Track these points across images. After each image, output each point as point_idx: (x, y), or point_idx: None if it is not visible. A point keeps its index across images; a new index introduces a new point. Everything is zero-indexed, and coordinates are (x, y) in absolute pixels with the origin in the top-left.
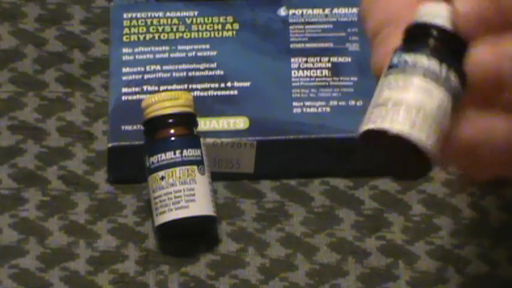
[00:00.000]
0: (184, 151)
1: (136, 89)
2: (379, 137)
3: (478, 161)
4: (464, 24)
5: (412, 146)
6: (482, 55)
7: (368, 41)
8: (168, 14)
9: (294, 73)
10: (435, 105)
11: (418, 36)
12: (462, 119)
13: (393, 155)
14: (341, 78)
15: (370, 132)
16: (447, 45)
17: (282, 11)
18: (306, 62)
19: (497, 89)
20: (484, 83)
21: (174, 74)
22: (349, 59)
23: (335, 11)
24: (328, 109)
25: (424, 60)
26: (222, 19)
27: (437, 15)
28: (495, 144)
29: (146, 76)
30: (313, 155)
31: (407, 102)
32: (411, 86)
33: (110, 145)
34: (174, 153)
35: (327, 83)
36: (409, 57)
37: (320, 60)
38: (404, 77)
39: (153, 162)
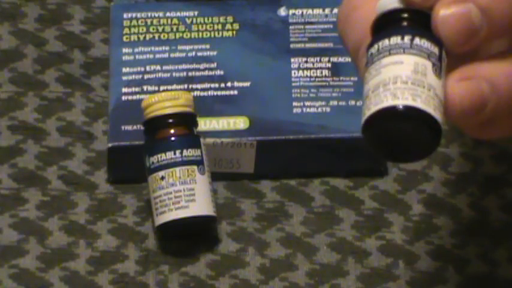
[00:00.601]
0: (184, 151)
1: (136, 89)
2: (374, 124)
3: (487, 118)
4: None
5: (404, 112)
6: (443, 12)
7: None
8: (168, 14)
9: (294, 73)
10: (410, 70)
11: (377, 28)
12: (460, 79)
13: (396, 135)
14: (341, 78)
15: (365, 126)
16: (403, 21)
17: (282, 11)
18: (306, 62)
19: (475, 38)
20: (458, 36)
21: (174, 74)
22: (349, 59)
23: (335, 11)
24: (328, 109)
25: (385, 42)
26: (222, 19)
27: (390, 2)
28: (500, 92)
29: (146, 76)
30: (313, 155)
31: (383, 82)
32: (381, 67)
33: (110, 145)
34: (174, 153)
35: (327, 83)
36: (373, 49)
37: (320, 60)
38: (374, 65)
39: (153, 162)
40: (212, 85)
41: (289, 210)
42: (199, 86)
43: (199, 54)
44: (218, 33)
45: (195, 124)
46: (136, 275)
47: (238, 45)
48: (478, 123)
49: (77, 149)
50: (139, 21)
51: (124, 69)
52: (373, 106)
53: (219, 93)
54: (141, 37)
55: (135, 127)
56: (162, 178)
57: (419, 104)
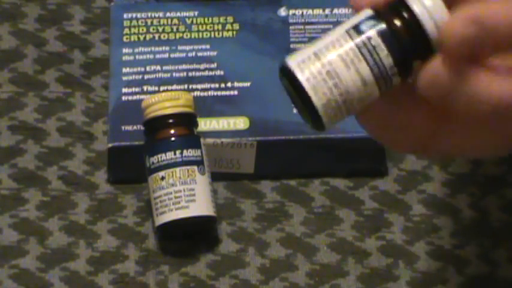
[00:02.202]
0: (185, 151)
1: (137, 89)
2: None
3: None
4: (442, 38)
5: (299, 90)
6: (450, 25)
7: None
8: (168, 14)
9: None
10: (351, 76)
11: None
12: (488, 85)
13: (295, 97)
14: None
15: (283, 68)
16: (409, 38)
17: (282, 11)
18: None
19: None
20: (459, 48)
21: (174, 74)
22: None
23: (335, 11)
24: None
25: (372, 33)
26: (222, 19)
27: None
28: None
29: (146, 76)
30: (313, 155)
31: (322, 56)
32: (340, 48)
33: (110, 145)
34: (174, 154)
35: None
36: (370, 31)
37: None
38: (342, 39)
39: (153, 163)
40: (212, 85)
41: (289, 210)
42: (199, 86)
43: (199, 54)
44: (218, 34)
45: (195, 124)
46: (136, 275)
47: (238, 45)
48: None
49: (77, 149)
50: (140, 22)
51: (124, 70)
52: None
53: (219, 93)
54: (141, 37)
55: (135, 127)
56: (162, 178)
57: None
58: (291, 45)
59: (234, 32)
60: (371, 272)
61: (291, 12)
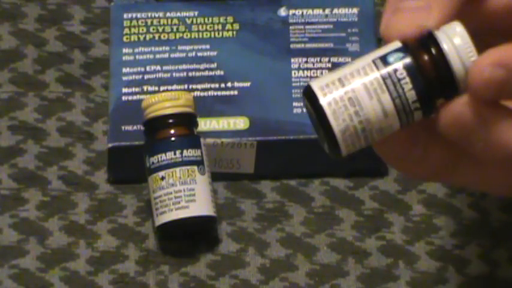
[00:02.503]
0: (185, 151)
1: (137, 89)
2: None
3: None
4: (469, 78)
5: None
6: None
7: (367, 42)
8: (168, 14)
9: (294, 73)
10: (373, 106)
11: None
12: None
13: (316, 121)
14: None
15: (307, 90)
16: (435, 75)
17: (282, 11)
18: (306, 62)
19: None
20: (484, 90)
21: (174, 74)
22: (349, 59)
23: (335, 11)
24: None
25: (398, 66)
26: (222, 19)
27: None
28: None
29: (146, 76)
30: (313, 155)
31: (346, 82)
32: (365, 76)
33: (110, 145)
34: (174, 154)
35: None
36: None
37: (320, 61)
38: (368, 68)
39: (153, 163)
40: (212, 85)
41: (289, 210)
42: (199, 86)
43: (199, 54)
44: (218, 34)
45: (195, 124)
46: (136, 275)
47: (238, 45)
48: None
49: (77, 149)
50: (140, 22)
51: (124, 70)
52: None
53: (219, 93)
54: (141, 37)
55: (135, 127)
56: (162, 178)
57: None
58: (291, 45)
59: (234, 32)
60: (371, 272)
61: (291, 12)
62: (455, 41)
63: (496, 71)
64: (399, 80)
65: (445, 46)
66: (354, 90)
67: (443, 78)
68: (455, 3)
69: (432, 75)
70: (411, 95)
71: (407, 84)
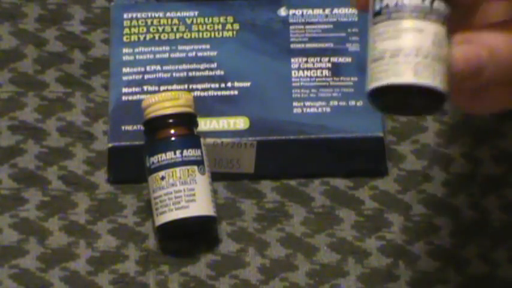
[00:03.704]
0: (185, 151)
1: (137, 89)
2: (388, 91)
3: (482, 88)
4: None
5: (422, 90)
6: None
7: (367, 42)
8: (168, 14)
9: (294, 73)
10: (430, 41)
11: None
12: (461, 42)
13: (405, 103)
14: (341, 79)
15: (378, 89)
16: None
17: (282, 11)
18: (306, 62)
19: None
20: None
21: (174, 74)
22: (349, 59)
23: (335, 11)
24: (328, 109)
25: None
26: (222, 19)
27: None
28: (499, 60)
29: (146, 76)
30: (313, 155)
31: (404, 50)
32: (402, 31)
33: (110, 145)
34: (175, 153)
35: (327, 83)
36: (390, 1)
37: (320, 61)
38: (392, 23)
39: (153, 162)
40: (212, 85)
41: (289, 210)
42: (199, 86)
43: (199, 54)
44: (218, 34)
45: (195, 124)
46: (136, 275)
47: (238, 45)
48: (470, 92)
49: (77, 149)
50: (140, 22)
51: (124, 70)
52: (392, 75)
53: (219, 93)
54: (141, 37)
55: (135, 127)
56: (162, 178)
57: (438, 84)
58: (291, 45)
59: (234, 32)
60: (371, 272)
61: (291, 12)
62: None
63: None
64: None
65: None
66: (398, 46)
67: None
68: None
69: None
70: None
71: None
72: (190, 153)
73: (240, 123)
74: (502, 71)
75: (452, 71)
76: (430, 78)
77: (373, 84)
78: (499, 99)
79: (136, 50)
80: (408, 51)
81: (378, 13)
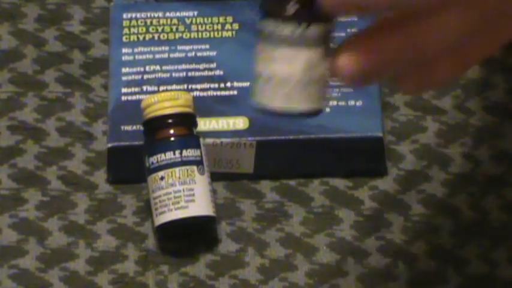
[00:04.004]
0: (184, 151)
1: (136, 89)
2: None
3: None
4: None
5: (295, 114)
6: None
7: None
8: (167, 14)
9: None
10: (302, 68)
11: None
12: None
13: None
14: None
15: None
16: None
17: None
18: None
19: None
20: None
21: (173, 74)
22: None
23: None
24: (327, 109)
25: (279, 27)
26: (221, 19)
27: None
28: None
29: (146, 76)
30: (312, 155)
31: (275, 78)
32: (274, 59)
33: (109, 145)
34: (174, 154)
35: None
36: (269, 25)
37: None
38: (267, 48)
39: (152, 163)
40: (212, 85)
41: (289, 210)
42: (198, 86)
43: (198, 54)
44: (218, 34)
45: (195, 124)
46: (135, 275)
47: (238, 45)
48: (415, 75)
49: (76, 149)
50: (139, 22)
51: (124, 70)
52: (267, 99)
53: (218, 93)
54: (141, 37)
55: (134, 127)
56: (162, 178)
57: (309, 105)
58: None
59: (234, 32)
60: (370, 272)
61: None
62: None
63: None
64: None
65: None
66: (272, 72)
67: None
68: None
69: None
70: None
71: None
72: (189, 153)
73: (239, 123)
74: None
75: (344, 80)
76: (301, 102)
77: (257, 100)
78: (448, 70)
79: (136, 50)
80: (279, 79)
81: (260, 31)
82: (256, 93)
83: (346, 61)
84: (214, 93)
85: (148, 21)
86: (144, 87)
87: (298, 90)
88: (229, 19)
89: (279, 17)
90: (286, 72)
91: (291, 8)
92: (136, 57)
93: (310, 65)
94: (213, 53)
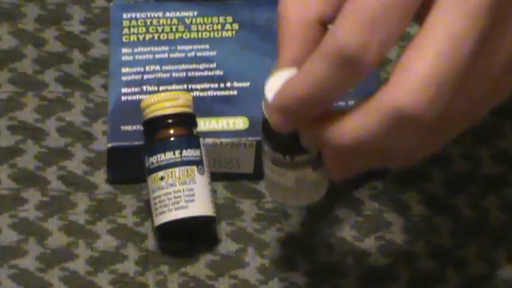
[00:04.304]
0: (184, 151)
1: (136, 89)
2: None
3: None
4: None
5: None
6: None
7: None
8: (167, 14)
9: None
10: (293, 181)
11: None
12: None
13: None
14: None
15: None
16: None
17: None
18: None
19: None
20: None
21: (173, 74)
22: None
23: None
24: None
25: (271, 151)
26: (221, 19)
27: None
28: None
29: (146, 76)
30: None
31: (275, 182)
32: (273, 169)
33: (109, 145)
34: (174, 154)
35: None
36: (266, 144)
37: None
38: (268, 159)
39: (152, 163)
40: (212, 85)
41: (289, 210)
42: (198, 86)
43: (198, 54)
44: (218, 34)
45: (195, 124)
46: (135, 276)
47: (237, 45)
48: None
49: (76, 149)
50: (139, 22)
51: (123, 70)
52: (270, 194)
53: (218, 93)
54: (141, 37)
55: (134, 127)
56: (162, 178)
57: (303, 203)
58: None
59: (234, 32)
60: (370, 272)
61: None
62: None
63: (279, 117)
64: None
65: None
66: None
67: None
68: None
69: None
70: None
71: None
72: (189, 153)
73: (239, 123)
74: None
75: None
76: (296, 202)
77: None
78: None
79: (136, 50)
80: (277, 185)
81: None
82: (265, 185)
83: None
84: (214, 93)
85: (148, 21)
86: (144, 87)
87: (293, 195)
88: (229, 19)
89: (270, 144)
90: (281, 183)
91: (279, 140)
92: (136, 57)
93: (299, 180)
94: (213, 53)
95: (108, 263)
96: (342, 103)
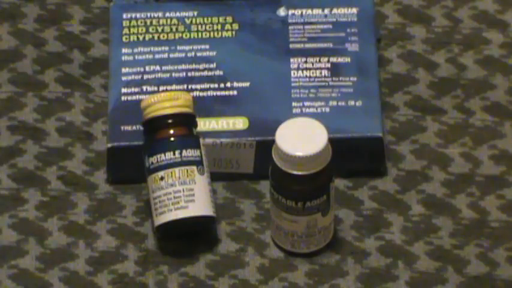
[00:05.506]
0: (184, 151)
1: (136, 89)
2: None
3: None
4: None
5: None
6: None
7: (366, 42)
8: (167, 14)
9: (294, 73)
10: (303, 227)
11: None
12: None
13: None
14: (340, 79)
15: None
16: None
17: (282, 11)
18: (306, 62)
19: None
20: None
21: (173, 75)
22: (348, 59)
23: (334, 11)
24: (327, 109)
25: (281, 198)
26: (221, 19)
27: None
28: None
29: (146, 76)
30: None
31: (284, 229)
32: (284, 217)
33: (109, 145)
34: (174, 154)
35: (327, 83)
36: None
37: (319, 61)
38: (279, 208)
39: (152, 163)
40: (211, 85)
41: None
42: (198, 87)
43: (198, 54)
44: (217, 34)
45: (195, 124)
46: (135, 275)
47: (237, 45)
48: None
49: (76, 150)
50: (139, 22)
51: (123, 70)
52: (278, 241)
53: (218, 93)
54: (141, 37)
55: (134, 127)
56: (162, 178)
57: (311, 249)
58: (290, 45)
59: (234, 32)
60: (370, 272)
61: (290, 12)
62: None
63: None
64: None
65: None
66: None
67: None
68: None
69: None
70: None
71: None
72: (189, 153)
73: (239, 123)
74: None
75: None
76: (304, 249)
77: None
78: None
79: (136, 50)
80: (285, 231)
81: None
82: (272, 234)
83: None
84: (214, 93)
85: (148, 22)
86: (144, 87)
87: (303, 241)
88: (229, 19)
89: (281, 192)
90: (291, 229)
91: (291, 187)
92: (136, 57)
93: (310, 226)
94: (212, 53)
95: (108, 263)
96: (342, 103)
